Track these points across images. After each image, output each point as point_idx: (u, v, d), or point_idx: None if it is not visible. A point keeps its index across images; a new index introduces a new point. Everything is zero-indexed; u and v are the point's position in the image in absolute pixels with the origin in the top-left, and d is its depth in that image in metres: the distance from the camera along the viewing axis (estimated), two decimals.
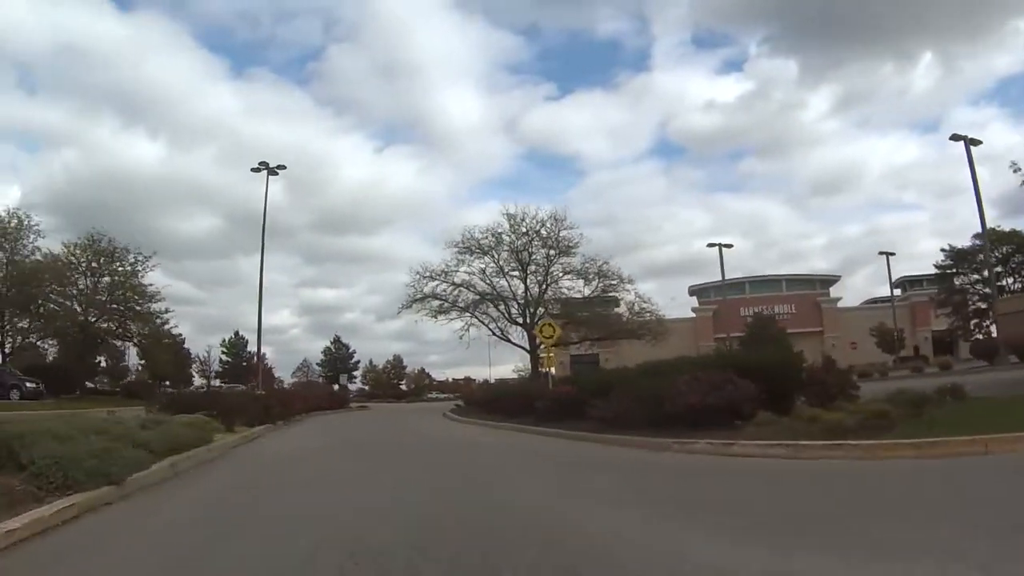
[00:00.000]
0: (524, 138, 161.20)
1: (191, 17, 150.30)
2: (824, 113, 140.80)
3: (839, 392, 16.26)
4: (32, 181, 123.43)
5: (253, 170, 43.99)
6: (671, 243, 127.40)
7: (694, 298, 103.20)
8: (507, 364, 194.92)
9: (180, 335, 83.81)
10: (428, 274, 50.66)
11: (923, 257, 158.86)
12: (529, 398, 26.12)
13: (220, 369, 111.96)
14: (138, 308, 54.24)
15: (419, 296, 50.37)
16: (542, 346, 34.66)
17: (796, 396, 16.67)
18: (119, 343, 58.72)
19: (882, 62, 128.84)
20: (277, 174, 43.97)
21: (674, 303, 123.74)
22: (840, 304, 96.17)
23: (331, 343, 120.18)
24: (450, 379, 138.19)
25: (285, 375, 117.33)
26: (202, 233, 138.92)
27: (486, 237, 50.63)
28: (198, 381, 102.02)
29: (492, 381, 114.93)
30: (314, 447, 18.02)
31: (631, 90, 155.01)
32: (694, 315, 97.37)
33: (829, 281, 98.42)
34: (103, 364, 72.60)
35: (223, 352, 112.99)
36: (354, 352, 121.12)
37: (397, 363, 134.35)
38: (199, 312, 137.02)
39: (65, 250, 52.22)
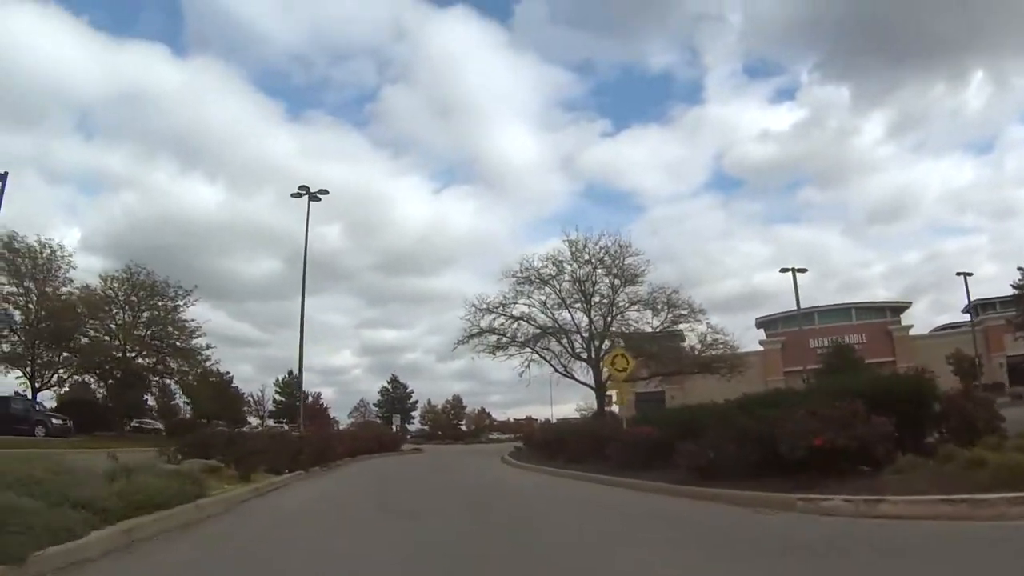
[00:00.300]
0: (581, 175, 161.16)
1: (246, 61, 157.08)
2: (878, 139, 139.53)
3: (984, 425, 12.84)
4: (92, 224, 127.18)
5: (293, 195, 41.52)
6: (732, 277, 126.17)
7: (761, 331, 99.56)
8: (569, 403, 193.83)
9: (228, 373, 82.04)
10: (484, 307, 47.41)
11: (986, 281, 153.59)
12: (598, 440, 22.78)
13: (273, 409, 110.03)
14: (178, 344, 51.84)
15: (475, 331, 47.12)
16: (609, 381, 31.20)
17: (929, 431, 13.63)
18: (158, 379, 55.76)
19: (934, 83, 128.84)
20: (319, 199, 41.31)
21: (739, 338, 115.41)
22: (912, 332, 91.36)
23: (388, 383, 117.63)
24: (511, 419, 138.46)
25: (343, 415, 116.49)
26: (263, 275, 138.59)
27: (546, 266, 47.37)
28: (254, 421, 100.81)
29: (553, 421, 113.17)
30: (336, 503, 14.77)
31: (686, 123, 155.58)
32: (762, 348, 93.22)
33: (899, 308, 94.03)
34: (150, 402, 70.04)
35: (276, 392, 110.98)
36: (412, 392, 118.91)
37: (456, 403, 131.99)
38: (261, 353, 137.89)
39: (102, 283, 50.13)
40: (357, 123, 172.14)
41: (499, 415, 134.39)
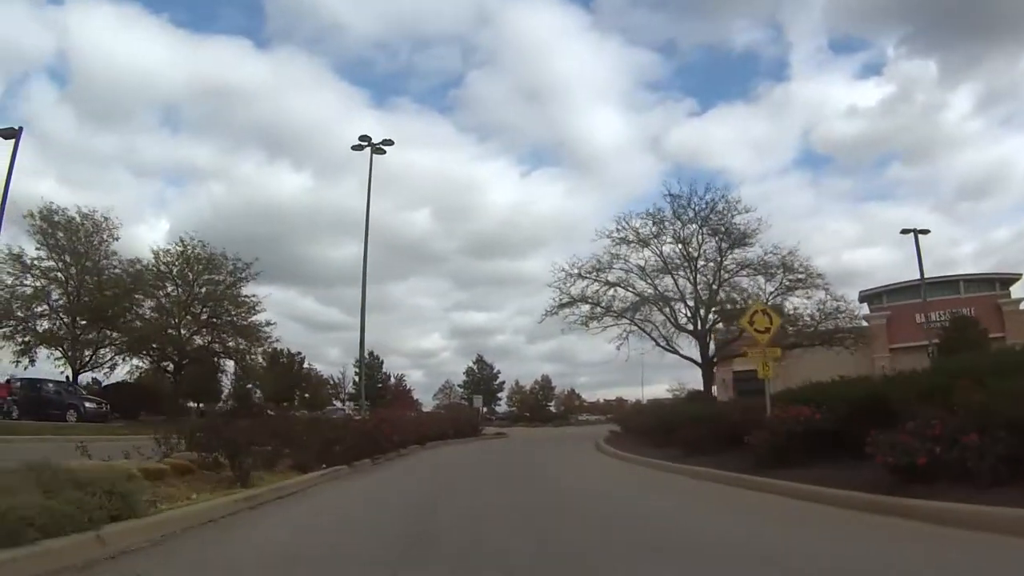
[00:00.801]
0: (669, 155, 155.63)
1: (329, 51, 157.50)
2: (966, 113, 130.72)
3: None
4: (179, 215, 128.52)
5: (354, 148, 36.91)
6: (821, 255, 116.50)
7: (864, 306, 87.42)
8: (659, 384, 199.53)
9: (299, 354, 77.94)
10: (576, 271, 41.57)
11: None
12: (731, 426, 17.71)
13: (353, 391, 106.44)
14: (237, 321, 47.60)
15: (565, 301, 41.47)
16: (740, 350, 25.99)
17: None
18: (218, 360, 51.42)
19: (1021, 55, 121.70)
20: (384, 151, 36.11)
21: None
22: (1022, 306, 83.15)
23: (473, 363, 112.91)
24: (600, 400, 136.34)
25: (428, 398, 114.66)
26: (349, 260, 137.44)
27: (646, 225, 41.30)
28: (336, 404, 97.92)
29: (644, 402, 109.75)
30: (345, 532, 9.25)
31: (772, 101, 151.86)
32: (866, 324, 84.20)
33: (1009, 280, 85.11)
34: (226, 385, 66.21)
35: (356, 373, 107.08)
36: (498, 372, 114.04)
37: (545, 384, 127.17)
38: (350, 336, 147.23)
39: (154, 258, 46.07)
40: (442, 109, 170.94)
41: (588, 396, 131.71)
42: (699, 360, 40.67)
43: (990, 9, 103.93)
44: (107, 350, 45.58)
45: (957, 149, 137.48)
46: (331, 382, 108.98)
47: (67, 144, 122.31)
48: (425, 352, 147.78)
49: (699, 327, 40.22)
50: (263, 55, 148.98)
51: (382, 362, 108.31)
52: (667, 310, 41.22)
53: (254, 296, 49.07)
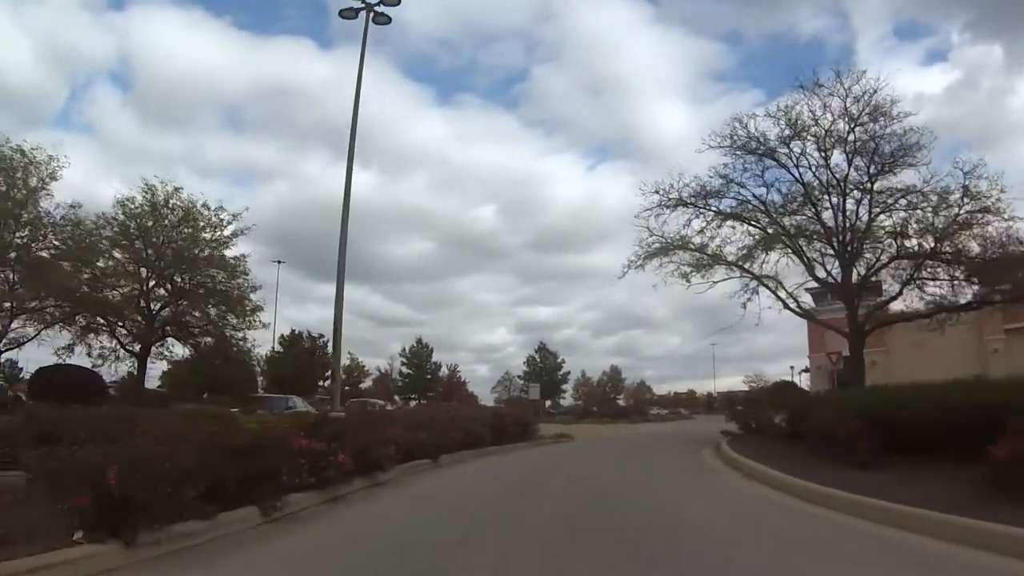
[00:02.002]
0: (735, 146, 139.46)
1: (392, 49, 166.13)
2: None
3: None
4: (245, 214, 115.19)
5: (343, 13, 26.41)
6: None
7: None
8: (727, 377, 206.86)
9: (321, 336, 66.76)
10: (674, 196, 29.79)
11: None
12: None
13: (401, 383, 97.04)
14: (221, 288, 36.53)
15: (653, 248, 29.62)
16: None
17: None
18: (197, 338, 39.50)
19: None
20: (387, 18, 24.47)
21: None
22: None
23: (535, 351, 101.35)
24: (671, 393, 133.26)
25: (485, 392, 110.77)
26: (417, 257, 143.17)
27: (779, 126, 29.18)
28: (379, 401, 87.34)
29: (715, 394, 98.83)
30: None
31: (839, 89, 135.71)
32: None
33: None
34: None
35: (403, 363, 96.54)
36: (562, 362, 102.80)
37: (614, 375, 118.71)
38: (417, 332, 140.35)
39: (119, 209, 36.15)
40: (507, 104, 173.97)
41: (657, 390, 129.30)
42: (846, 327, 29.15)
43: None
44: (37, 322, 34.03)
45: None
46: (380, 372, 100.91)
47: (131, 146, 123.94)
48: (490, 347, 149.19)
49: (847, 278, 28.24)
50: (326, 55, 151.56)
51: (431, 351, 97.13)
52: (802, 255, 29.34)
53: (243, 256, 37.80)
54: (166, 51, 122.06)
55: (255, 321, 39.12)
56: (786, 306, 29.59)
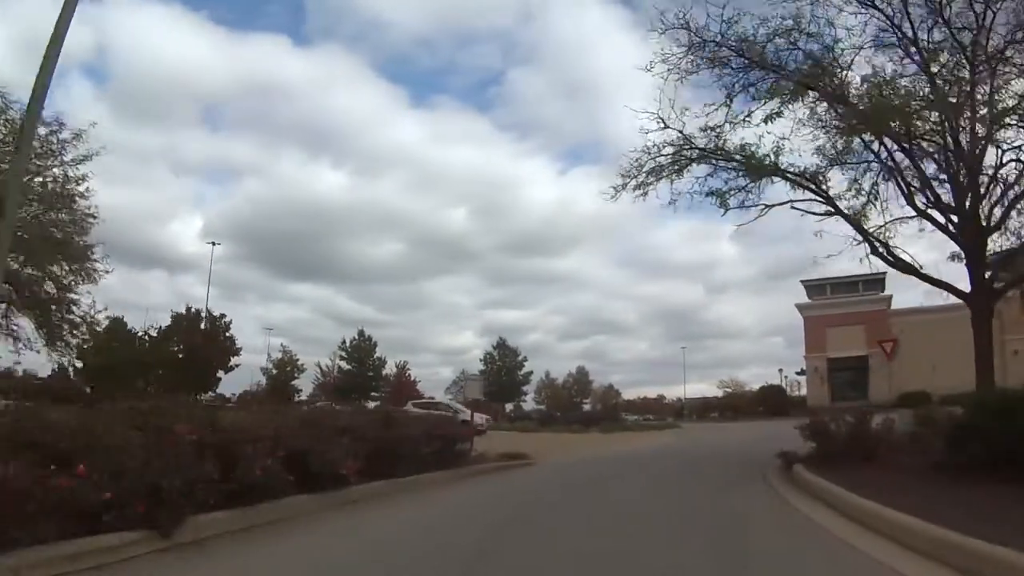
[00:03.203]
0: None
1: (369, 48, 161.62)
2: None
3: None
4: (216, 212, 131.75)
5: None
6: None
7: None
8: (693, 383, 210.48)
9: (223, 316, 55.50)
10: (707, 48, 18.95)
11: None
12: None
13: (332, 381, 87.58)
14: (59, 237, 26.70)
15: (673, 150, 19.34)
16: None
17: None
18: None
19: None
20: None
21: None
22: None
23: (494, 347, 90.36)
24: (640, 398, 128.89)
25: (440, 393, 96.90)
26: (387, 258, 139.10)
27: None
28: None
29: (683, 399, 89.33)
30: None
31: (809, 99, 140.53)
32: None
33: None
34: None
35: (341, 358, 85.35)
36: (524, 360, 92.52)
37: (581, 377, 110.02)
38: (384, 334, 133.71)
39: None
40: (482, 107, 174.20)
41: (626, 394, 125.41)
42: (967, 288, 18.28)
43: None
44: None
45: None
46: (321, 370, 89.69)
47: (105, 140, 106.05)
48: (456, 350, 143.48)
49: (974, 206, 17.73)
50: (303, 52, 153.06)
51: (374, 344, 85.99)
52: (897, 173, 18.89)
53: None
54: (144, 44, 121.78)
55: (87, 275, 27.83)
56: (874, 250, 18.41)
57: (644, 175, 18.66)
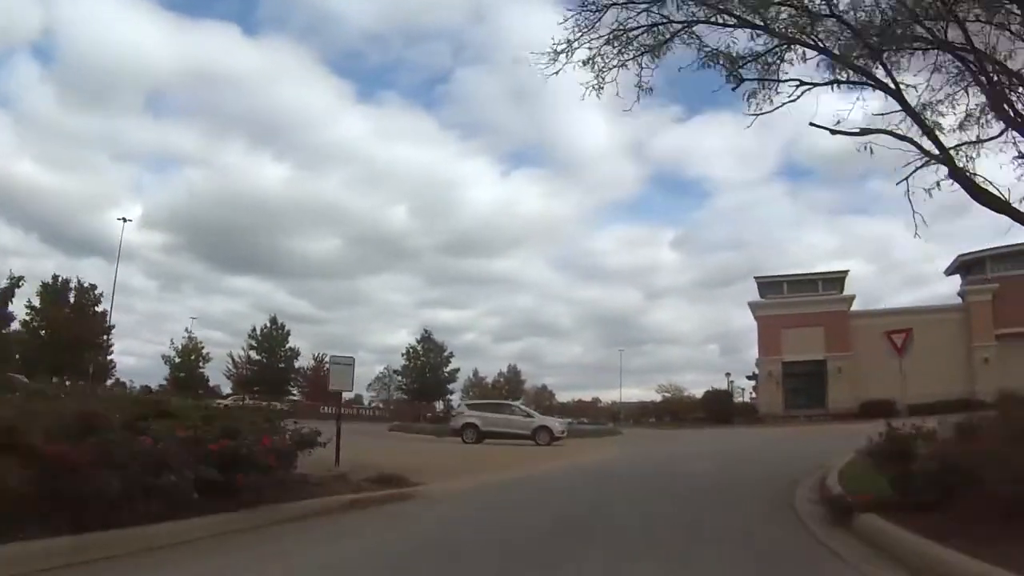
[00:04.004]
0: (650, 161, 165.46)
1: (319, 42, 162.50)
2: (949, 129, 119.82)
3: None
4: (156, 201, 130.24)
5: None
6: (796, 267, 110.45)
7: (955, 279, 73.71)
8: (628, 388, 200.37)
9: (95, 288, 48.40)
10: None
11: None
12: None
13: (246, 372, 79.87)
14: None
15: None
16: None
17: None
18: None
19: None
20: None
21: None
22: None
23: (418, 341, 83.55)
24: (574, 400, 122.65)
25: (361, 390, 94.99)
26: (326, 254, 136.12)
27: None
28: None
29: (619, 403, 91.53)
30: None
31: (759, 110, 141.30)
32: (961, 300, 68.94)
33: None
34: None
35: (252, 347, 77.97)
36: (451, 356, 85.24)
37: (512, 376, 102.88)
38: (319, 331, 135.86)
39: None
40: (428, 105, 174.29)
41: (560, 397, 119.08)
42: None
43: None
44: None
45: (939, 167, 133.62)
46: (233, 362, 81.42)
47: (47, 124, 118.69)
48: (391, 348, 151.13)
49: None
50: (253, 42, 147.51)
51: (287, 333, 78.88)
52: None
53: None
54: (91, 26, 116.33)
55: None
56: (953, 172, 11.88)
57: (604, 38, 11.80)
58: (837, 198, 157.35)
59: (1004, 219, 11.79)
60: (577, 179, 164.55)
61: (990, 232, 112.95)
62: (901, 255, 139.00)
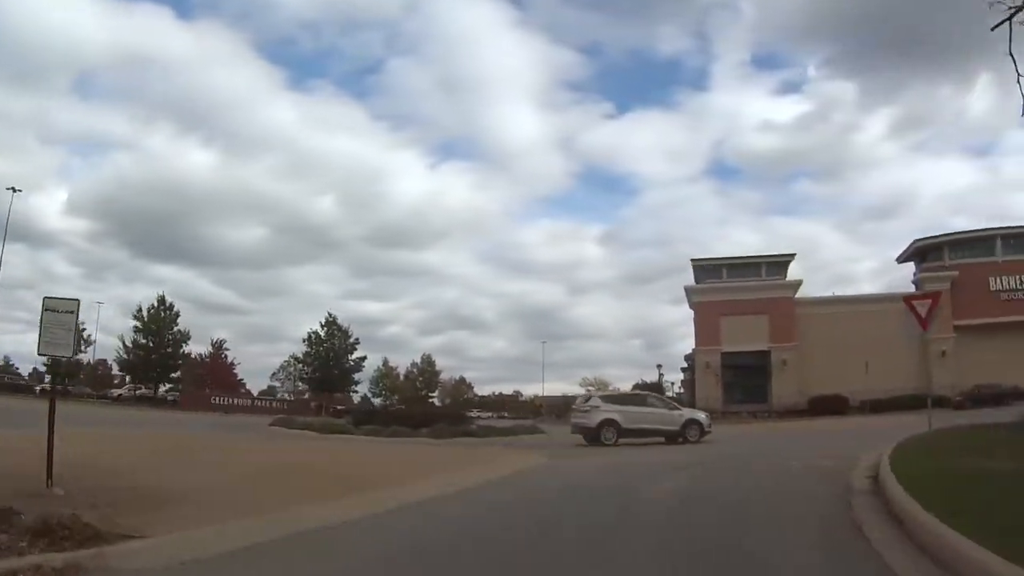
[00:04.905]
0: (580, 156, 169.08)
1: (253, 27, 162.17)
2: (881, 136, 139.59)
3: None
4: (82, 185, 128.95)
5: None
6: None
7: (909, 266, 71.18)
8: (556, 382, 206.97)
9: None
10: None
11: None
12: None
13: (126, 357, 71.92)
14: None
15: None
16: None
17: None
18: None
19: (941, 84, 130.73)
20: None
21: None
22: None
23: (322, 325, 75.03)
24: (494, 394, 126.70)
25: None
26: (251, 243, 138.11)
27: None
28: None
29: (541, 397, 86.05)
30: None
31: (689, 109, 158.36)
32: (917, 289, 60.98)
33: None
34: None
35: (136, 328, 70.05)
36: (357, 343, 77.24)
37: (427, 367, 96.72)
38: (243, 321, 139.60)
39: None
40: (358, 94, 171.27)
41: (481, 390, 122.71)
42: None
43: (915, 38, 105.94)
44: None
45: (867, 170, 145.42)
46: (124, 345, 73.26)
47: None
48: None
49: None
50: (186, 25, 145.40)
51: (176, 315, 70.85)
52: None
53: None
54: (21, 5, 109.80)
55: None
56: None
57: None
58: (764, 198, 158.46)
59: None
60: (505, 173, 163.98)
61: (918, 232, 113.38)
62: (827, 255, 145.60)
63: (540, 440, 31.28)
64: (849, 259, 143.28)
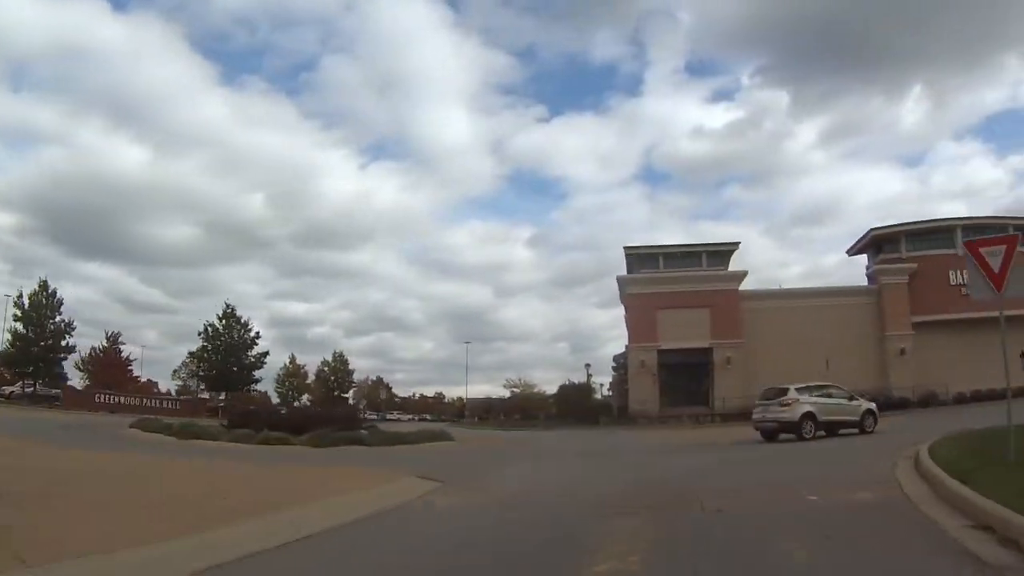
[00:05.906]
0: (510, 159, 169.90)
1: (188, 20, 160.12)
2: (812, 144, 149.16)
3: None
4: (10, 180, 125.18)
5: None
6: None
7: (861, 259, 68.34)
8: (482, 384, 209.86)
9: None
10: None
11: None
12: None
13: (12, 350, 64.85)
14: None
15: None
16: None
17: None
18: None
19: (874, 94, 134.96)
20: None
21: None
22: None
23: (219, 317, 68.14)
24: (415, 395, 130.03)
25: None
26: (180, 241, 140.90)
27: None
28: None
29: (464, 399, 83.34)
30: None
31: (621, 115, 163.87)
32: (872, 284, 61.86)
33: None
34: None
35: (16, 318, 64.13)
36: (257, 336, 70.30)
37: (340, 364, 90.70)
38: (170, 320, 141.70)
39: None
40: (291, 92, 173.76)
41: (403, 392, 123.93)
42: None
43: (847, 49, 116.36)
44: None
45: (797, 177, 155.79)
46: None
47: None
48: None
49: None
50: (120, 17, 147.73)
51: (60, 303, 63.84)
52: None
53: None
54: None
55: None
56: None
57: None
58: (694, 203, 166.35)
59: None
60: (435, 174, 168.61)
61: (847, 241, 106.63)
62: (755, 260, 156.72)
63: (445, 449, 25.50)
64: (778, 263, 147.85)
